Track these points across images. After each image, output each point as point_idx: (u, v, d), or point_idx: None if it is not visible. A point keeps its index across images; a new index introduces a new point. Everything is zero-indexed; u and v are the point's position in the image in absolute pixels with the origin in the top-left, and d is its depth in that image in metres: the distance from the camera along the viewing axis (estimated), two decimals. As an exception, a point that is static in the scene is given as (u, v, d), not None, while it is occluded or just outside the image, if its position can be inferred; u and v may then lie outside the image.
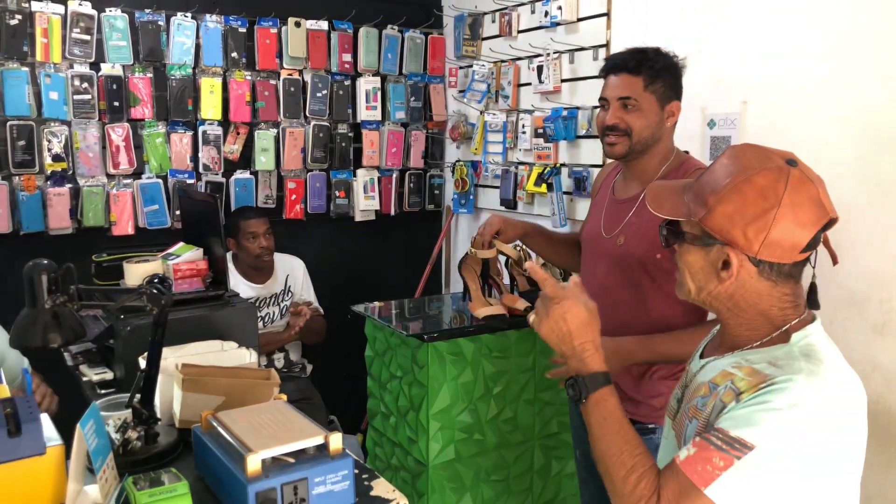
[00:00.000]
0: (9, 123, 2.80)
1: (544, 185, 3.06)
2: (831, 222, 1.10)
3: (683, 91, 1.92)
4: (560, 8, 2.93)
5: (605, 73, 1.91)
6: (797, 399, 1.01)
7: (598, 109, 1.94)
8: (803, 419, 1.01)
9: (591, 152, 2.94)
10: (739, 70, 2.34)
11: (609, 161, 2.07)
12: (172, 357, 1.61)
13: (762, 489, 1.02)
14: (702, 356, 1.25)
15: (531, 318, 1.26)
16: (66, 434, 1.27)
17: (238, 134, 3.27)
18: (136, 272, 1.95)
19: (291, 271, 3.21)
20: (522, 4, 3.21)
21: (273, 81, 3.31)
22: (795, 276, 1.12)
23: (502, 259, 2.41)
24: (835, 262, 1.15)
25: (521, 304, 2.34)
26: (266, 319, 3.10)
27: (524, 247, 2.41)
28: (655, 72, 1.81)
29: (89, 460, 1.26)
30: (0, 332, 2.07)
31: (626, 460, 1.11)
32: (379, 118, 3.59)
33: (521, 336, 2.49)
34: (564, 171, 3.04)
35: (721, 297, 1.14)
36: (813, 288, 1.15)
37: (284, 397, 1.46)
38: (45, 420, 1.28)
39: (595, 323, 1.22)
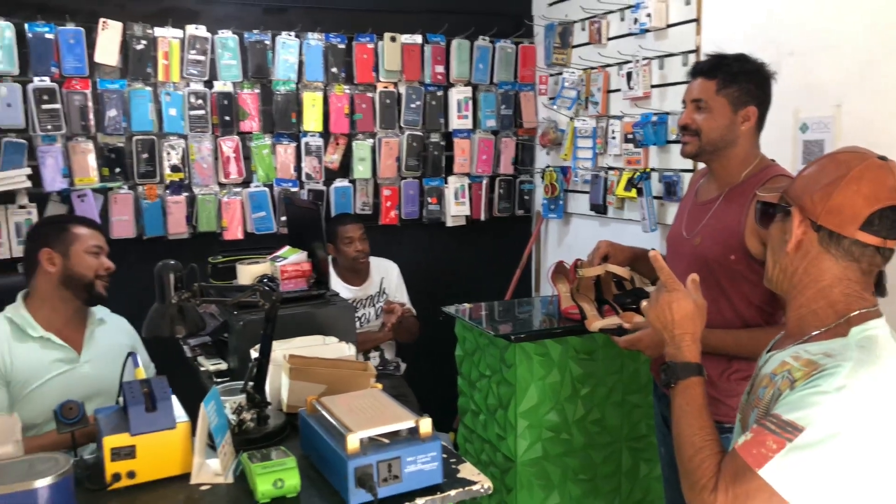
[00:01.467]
0: (134, 138, 3.09)
1: (634, 190, 3.09)
2: None
3: (774, 95, 1.94)
4: (649, 15, 2.96)
5: (689, 77, 1.99)
6: (844, 382, 1.05)
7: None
8: (851, 402, 1.05)
9: (681, 157, 2.93)
10: (832, 73, 2.31)
11: (700, 166, 2.11)
12: (280, 349, 1.76)
13: (814, 470, 1.06)
14: (769, 351, 1.29)
15: (643, 303, 1.36)
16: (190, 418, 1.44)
17: (338, 144, 3.46)
18: (248, 273, 2.13)
19: (386, 274, 3.37)
20: (612, 12, 3.25)
21: (370, 94, 3.49)
22: (858, 259, 1.15)
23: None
24: None
25: (639, 318, 2.20)
26: (362, 320, 3.26)
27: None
28: (731, 76, 1.86)
29: (210, 438, 1.42)
30: (132, 332, 2.29)
31: (697, 441, 1.19)
32: (470, 127, 3.71)
33: (608, 339, 2.52)
34: (654, 175, 3.06)
35: (788, 270, 1.21)
36: (881, 275, 1.18)
37: (380, 386, 1.58)
38: (174, 400, 1.45)
39: (700, 318, 1.29)
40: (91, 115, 3.00)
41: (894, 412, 1.07)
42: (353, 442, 1.28)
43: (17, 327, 2.05)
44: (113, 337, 2.21)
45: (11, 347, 2.01)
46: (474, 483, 1.38)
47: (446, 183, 3.71)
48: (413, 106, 3.56)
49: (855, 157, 1.16)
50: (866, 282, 1.17)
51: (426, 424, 1.35)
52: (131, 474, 1.33)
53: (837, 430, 1.04)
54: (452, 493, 1.36)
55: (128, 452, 1.32)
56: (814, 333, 1.18)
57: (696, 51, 2.82)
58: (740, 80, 1.86)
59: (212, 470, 1.40)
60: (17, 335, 2.04)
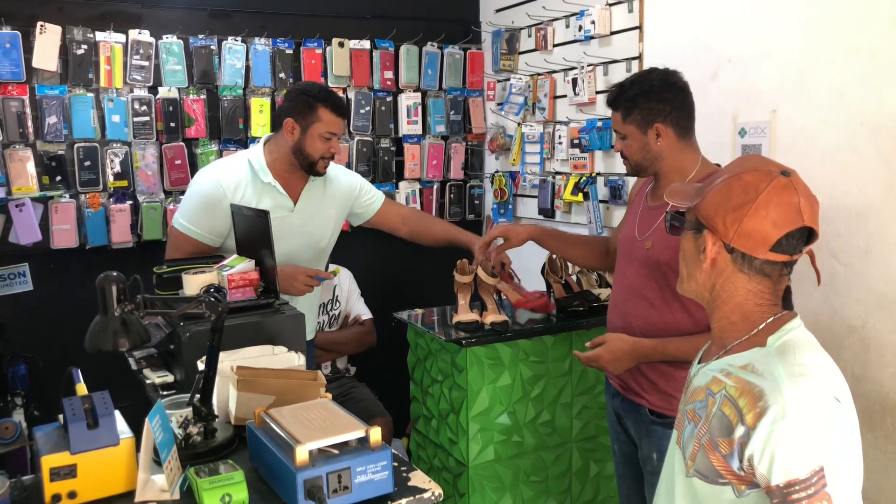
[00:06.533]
0: (76, 146, 3.01)
1: (581, 194, 3.14)
2: (809, 233, 1.20)
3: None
4: (593, 22, 3.01)
5: None
6: (796, 408, 1.09)
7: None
8: (816, 416, 1.09)
9: (625, 161, 3.01)
10: (768, 79, 2.38)
11: None
12: (228, 360, 1.73)
13: (853, 482, 1.10)
14: (699, 362, 1.35)
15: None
16: (135, 432, 1.41)
17: (286, 150, 3.43)
18: (195, 283, 2.09)
19: (339, 281, 3.35)
20: (557, 19, 3.30)
21: (319, 99, 3.46)
22: (769, 275, 1.21)
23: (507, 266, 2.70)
24: (819, 282, 1.26)
25: (500, 319, 2.50)
26: (318, 329, 3.23)
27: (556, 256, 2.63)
28: (630, 102, 1.94)
29: (156, 453, 1.40)
30: (350, 192, 2.73)
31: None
32: (420, 132, 3.72)
33: (557, 341, 2.57)
34: (600, 180, 3.12)
35: (705, 285, 1.27)
36: (788, 290, 1.25)
37: (330, 396, 1.58)
38: (118, 415, 1.42)
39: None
40: (29, 122, 2.92)
41: (839, 396, 1.13)
42: (301, 454, 1.28)
43: (253, 170, 2.44)
44: (327, 197, 2.58)
45: (247, 189, 2.43)
46: (425, 491, 1.39)
47: (397, 188, 3.71)
48: (362, 111, 3.55)
49: (761, 178, 1.19)
50: (777, 290, 1.24)
51: (376, 434, 1.35)
52: (72, 495, 1.30)
53: (831, 440, 1.09)
54: (403, 501, 1.36)
55: (68, 472, 1.29)
56: (735, 343, 1.24)
57: (639, 57, 2.88)
58: (639, 103, 1.93)
59: (157, 486, 1.38)
60: (253, 178, 2.44)
